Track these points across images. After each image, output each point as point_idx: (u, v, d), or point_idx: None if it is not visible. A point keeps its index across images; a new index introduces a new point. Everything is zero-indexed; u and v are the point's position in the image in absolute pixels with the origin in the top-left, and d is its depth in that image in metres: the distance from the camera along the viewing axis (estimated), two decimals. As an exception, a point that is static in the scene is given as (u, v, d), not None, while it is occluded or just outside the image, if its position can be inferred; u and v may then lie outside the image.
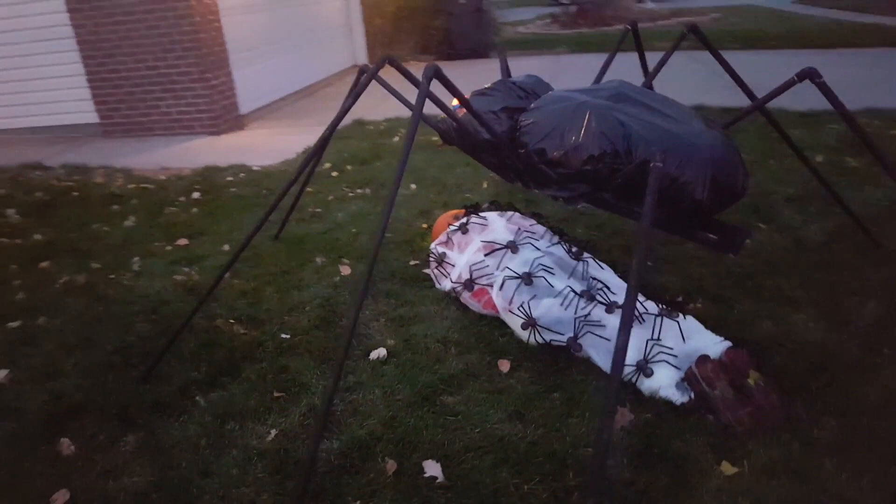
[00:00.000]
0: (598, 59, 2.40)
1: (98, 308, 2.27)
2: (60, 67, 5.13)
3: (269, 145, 4.59)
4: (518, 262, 2.03)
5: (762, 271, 2.24)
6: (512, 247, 2.08)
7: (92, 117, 5.28)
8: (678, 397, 1.59)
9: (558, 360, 1.80)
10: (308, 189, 3.46)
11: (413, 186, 3.40)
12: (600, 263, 2.08)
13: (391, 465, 1.45)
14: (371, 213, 3.08)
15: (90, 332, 2.10)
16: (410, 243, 2.70)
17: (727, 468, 1.39)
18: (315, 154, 1.85)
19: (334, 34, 7.83)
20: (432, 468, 1.44)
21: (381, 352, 1.89)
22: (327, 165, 3.84)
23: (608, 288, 1.94)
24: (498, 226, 2.20)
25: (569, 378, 1.73)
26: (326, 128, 1.76)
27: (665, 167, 1.38)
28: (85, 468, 1.50)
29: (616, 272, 2.08)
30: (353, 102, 1.69)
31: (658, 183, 1.23)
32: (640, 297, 1.87)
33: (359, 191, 3.42)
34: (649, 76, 2.02)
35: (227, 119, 5.29)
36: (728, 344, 1.67)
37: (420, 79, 1.43)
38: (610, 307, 1.83)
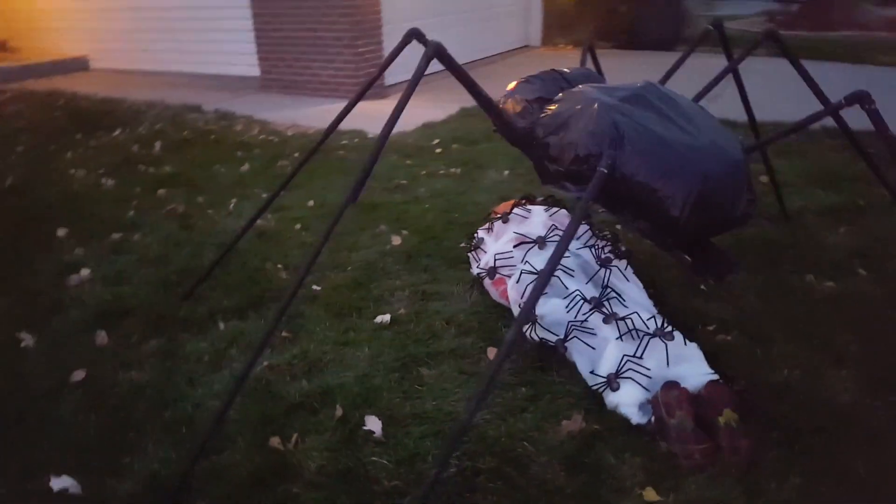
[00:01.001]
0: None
1: (183, 235, 2.71)
2: (234, 22, 5.90)
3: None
4: (541, 259, 2.09)
5: (822, 319, 2.07)
6: (540, 242, 2.15)
7: (254, 71, 6.01)
8: (637, 418, 1.59)
9: (543, 360, 1.85)
10: (407, 161, 3.74)
11: (506, 173, 3.51)
12: (626, 275, 2.07)
13: (339, 412, 1.64)
14: (452, 192, 3.25)
15: (167, 252, 2.54)
16: (473, 226, 2.83)
17: (650, 495, 1.39)
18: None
19: (511, 12, 7.97)
20: (373, 423, 1.60)
21: (386, 318, 2.08)
22: (435, 141, 4.07)
23: (621, 300, 1.94)
24: (537, 220, 2.27)
25: (545, 378, 1.79)
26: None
27: (626, 174, 1.38)
28: (108, 358, 1.88)
29: (647, 288, 2.06)
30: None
31: (599, 185, 1.26)
32: (648, 314, 1.85)
33: (452, 170, 3.60)
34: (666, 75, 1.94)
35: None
36: (714, 377, 1.63)
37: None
38: (609, 318, 1.84)
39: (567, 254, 2.09)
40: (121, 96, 5.34)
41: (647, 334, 1.75)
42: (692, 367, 1.68)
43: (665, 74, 2.13)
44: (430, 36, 1.70)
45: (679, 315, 2.06)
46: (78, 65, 7.09)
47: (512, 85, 2.02)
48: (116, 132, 4.35)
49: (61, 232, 2.74)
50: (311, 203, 3.12)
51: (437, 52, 1.55)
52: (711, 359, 1.76)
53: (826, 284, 2.26)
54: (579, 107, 1.60)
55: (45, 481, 1.43)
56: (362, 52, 5.60)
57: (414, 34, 1.82)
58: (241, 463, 1.50)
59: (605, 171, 1.30)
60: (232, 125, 4.57)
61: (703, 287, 2.23)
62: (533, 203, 2.46)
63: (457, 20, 6.70)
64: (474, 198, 3.13)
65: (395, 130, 1.77)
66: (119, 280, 2.32)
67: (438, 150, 3.94)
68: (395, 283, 2.33)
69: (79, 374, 1.80)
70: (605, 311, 1.87)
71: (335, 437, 1.58)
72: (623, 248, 2.19)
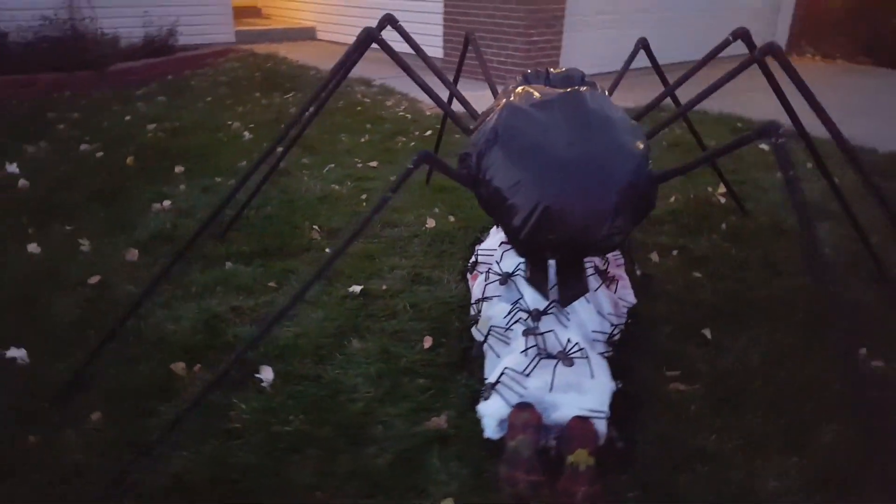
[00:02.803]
0: None
1: (271, 192, 3.13)
2: (428, 3, 6.32)
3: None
4: (512, 261, 2.07)
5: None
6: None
7: (439, 52, 6.39)
8: (490, 431, 1.55)
9: (466, 359, 1.87)
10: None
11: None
12: (589, 295, 1.95)
13: (253, 362, 1.84)
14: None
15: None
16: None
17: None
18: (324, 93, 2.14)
19: (757, 12, 7.36)
20: (266, 373, 1.79)
21: (356, 289, 2.23)
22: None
23: (565, 317, 1.85)
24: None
25: (453, 375, 1.81)
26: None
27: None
28: (128, 271, 2.31)
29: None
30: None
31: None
32: (581, 338, 1.76)
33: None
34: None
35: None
36: (595, 415, 1.52)
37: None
38: (527, 330, 1.78)
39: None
40: (314, 64, 6.08)
41: (546, 355, 1.68)
42: (578, 399, 1.58)
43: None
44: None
45: (645, 353, 1.91)
46: (306, 34, 8.15)
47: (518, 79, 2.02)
48: (289, 95, 5.01)
49: (178, 169, 3.33)
50: (392, 178, 3.34)
51: (370, 36, 1.65)
52: (638, 404, 1.64)
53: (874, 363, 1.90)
54: (498, 106, 1.58)
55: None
56: (536, 41, 5.65)
57: (388, 20, 1.92)
58: (141, 375, 1.78)
59: (412, 167, 1.31)
60: (385, 100, 4.97)
61: (707, 335, 2.03)
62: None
63: (673, 16, 6.38)
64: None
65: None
66: (187, 214, 2.79)
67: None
68: (399, 262, 2.46)
69: (95, 279, 2.26)
70: (529, 323, 1.81)
71: (235, 380, 1.79)
72: (606, 269, 2.07)
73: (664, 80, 2.41)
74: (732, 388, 1.80)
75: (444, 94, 2.30)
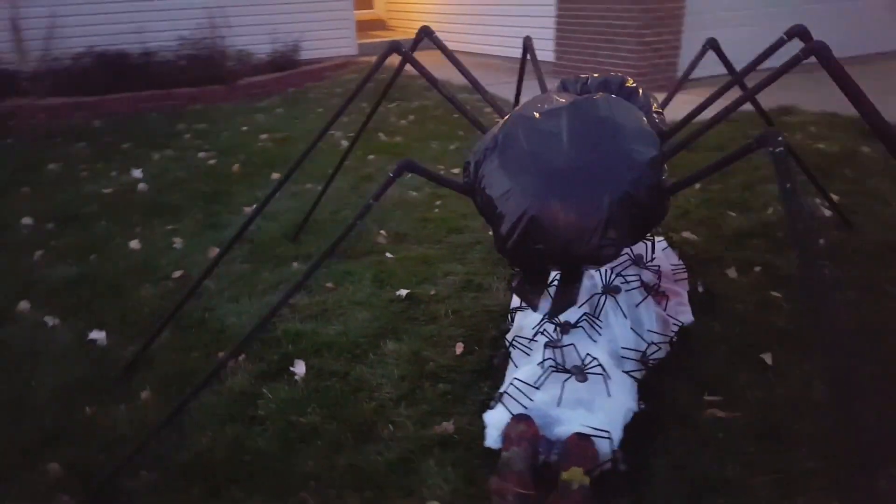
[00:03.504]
0: None
1: (344, 192, 3.31)
2: (538, 8, 6.32)
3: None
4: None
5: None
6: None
7: (550, 56, 6.36)
8: (491, 441, 1.55)
9: (491, 367, 1.89)
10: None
11: (697, 186, 3.23)
12: (626, 309, 1.89)
13: (289, 348, 1.98)
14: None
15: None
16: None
17: (430, 508, 1.42)
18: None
19: None
20: (299, 367, 1.91)
21: (403, 292, 2.31)
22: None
23: (596, 330, 1.81)
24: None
25: (476, 381, 1.83)
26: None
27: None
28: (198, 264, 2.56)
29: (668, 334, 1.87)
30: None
31: (387, 186, 1.33)
32: (608, 355, 1.72)
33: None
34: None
35: (657, 78, 5.57)
36: (589, 432, 1.48)
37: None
38: (550, 343, 1.76)
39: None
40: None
41: (561, 368, 1.65)
42: (585, 416, 1.54)
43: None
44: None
45: (688, 375, 1.82)
46: (423, 44, 8.41)
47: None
48: (392, 104, 5.23)
49: (274, 175, 3.60)
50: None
51: (392, 48, 1.72)
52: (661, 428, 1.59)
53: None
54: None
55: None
56: (650, 41, 5.47)
57: (424, 32, 1.98)
58: (192, 361, 1.97)
59: (392, 174, 1.34)
60: (484, 107, 5.04)
61: (767, 360, 1.89)
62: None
63: (827, 9, 5.93)
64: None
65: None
66: (271, 218, 3.02)
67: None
68: (455, 268, 2.52)
69: (178, 273, 2.53)
70: (553, 336, 1.79)
71: (259, 366, 1.94)
72: (651, 283, 1.99)
73: (742, 85, 2.26)
74: (779, 419, 1.67)
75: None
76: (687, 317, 2.08)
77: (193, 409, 1.75)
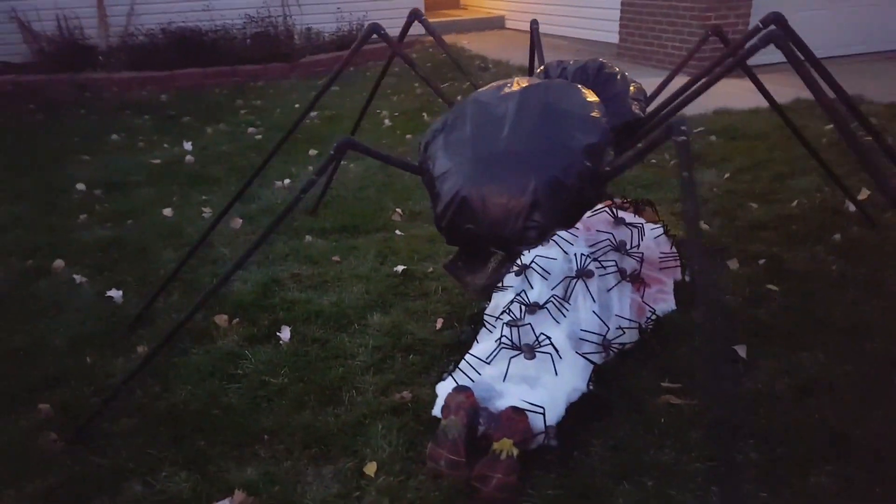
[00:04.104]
0: None
1: (371, 171, 3.43)
2: (606, -9, 6.21)
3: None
4: (532, 253, 2.10)
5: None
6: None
7: (614, 38, 6.25)
8: (437, 410, 1.63)
9: (460, 342, 1.97)
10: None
11: (726, 176, 3.16)
12: (595, 294, 1.91)
13: (280, 315, 2.13)
14: (648, 184, 3.14)
15: (343, 181, 3.30)
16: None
17: (370, 468, 1.52)
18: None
19: None
20: (284, 333, 2.06)
21: (399, 268, 2.42)
22: (699, 129, 3.80)
23: (561, 312, 1.85)
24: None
25: (450, 355, 1.92)
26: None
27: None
28: (229, 236, 2.75)
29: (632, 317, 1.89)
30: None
31: (329, 162, 1.42)
32: (567, 336, 1.77)
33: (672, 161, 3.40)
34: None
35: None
36: (525, 407, 1.55)
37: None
38: (511, 322, 1.82)
39: (552, 253, 2.05)
40: (486, 54, 6.32)
41: (513, 346, 1.71)
42: (526, 392, 1.61)
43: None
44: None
45: (653, 361, 1.85)
46: (495, 23, 8.42)
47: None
48: (445, 84, 5.31)
49: (312, 152, 3.78)
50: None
51: (371, 29, 1.81)
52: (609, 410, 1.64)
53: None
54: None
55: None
56: (715, 24, 5.26)
57: (414, 14, 2.06)
58: (191, 321, 2.15)
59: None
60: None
61: (742, 353, 1.88)
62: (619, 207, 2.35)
63: None
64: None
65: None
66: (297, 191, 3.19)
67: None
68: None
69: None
70: (516, 317, 1.85)
71: (250, 329, 2.10)
72: (631, 270, 2.00)
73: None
74: (734, 411, 1.67)
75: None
76: (667, 305, 2.08)
77: (180, 364, 1.93)
